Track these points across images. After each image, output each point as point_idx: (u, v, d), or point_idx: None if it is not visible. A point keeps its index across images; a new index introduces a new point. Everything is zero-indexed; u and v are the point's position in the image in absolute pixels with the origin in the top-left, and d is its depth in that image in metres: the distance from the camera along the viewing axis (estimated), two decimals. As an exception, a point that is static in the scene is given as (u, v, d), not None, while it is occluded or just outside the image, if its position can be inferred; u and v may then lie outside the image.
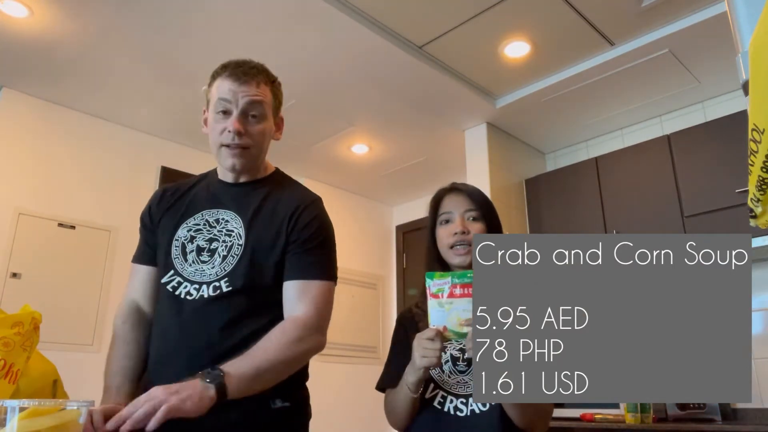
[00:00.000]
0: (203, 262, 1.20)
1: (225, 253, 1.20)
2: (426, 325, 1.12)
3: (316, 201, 1.29)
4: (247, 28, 2.59)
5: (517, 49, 2.81)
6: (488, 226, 1.30)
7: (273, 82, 1.32)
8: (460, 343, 1.21)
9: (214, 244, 1.21)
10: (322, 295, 1.20)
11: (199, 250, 1.21)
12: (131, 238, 1.38)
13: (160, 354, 1.18)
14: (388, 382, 1.28)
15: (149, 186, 3.53)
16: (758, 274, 2.88)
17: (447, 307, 1.07)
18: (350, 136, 3.68)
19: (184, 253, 1.22)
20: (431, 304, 1.09)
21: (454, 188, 1.36)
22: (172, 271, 1.21)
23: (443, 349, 1.10)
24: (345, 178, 4.41)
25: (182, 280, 1.20)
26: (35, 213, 3.05)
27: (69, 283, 3.08)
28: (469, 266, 1.24)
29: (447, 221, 1.31)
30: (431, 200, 1.38)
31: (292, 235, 1.21)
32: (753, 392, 2.77)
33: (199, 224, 1.25)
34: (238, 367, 1.03)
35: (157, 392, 0.94)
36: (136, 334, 1.23)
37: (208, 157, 4.36)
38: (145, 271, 1.29)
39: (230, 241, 1.21)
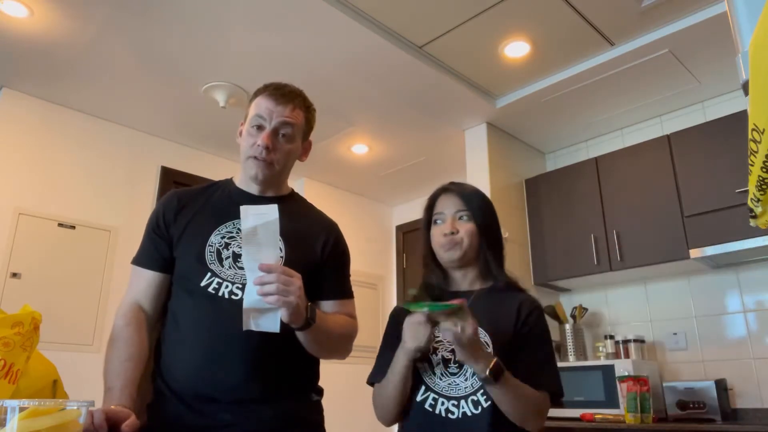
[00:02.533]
0: (241, 268, 1.25)
1: None
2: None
3: (338, 226, 1.45)
4: (247, 28, 2.59)
5: (517, 49, 2.81)
6: (480, 226, 1.35)
7: (308, 108, 1.41)
8: (449, 346, 1.25)
9: None
10: (354, 311, 1.41)
11: (236, 257, 1.27)
12: (131, 238, 1.38)
13: (209, 354, 1.19)
14: (379, 376, 1.30)
15: (149, 186, 3.53)
16: (758, 274, 2.88)
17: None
18: (350, 136, 3.68)
19: (220, 259, 1.27)
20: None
21: (448, 189, 1.41)
22: (209, 274, 1.25)
23: (432, 333, 1.16)
24: (345, 178, 4.41)
25: (222, 281, 1.24)
26: (35, 213, 3.05)
27: (69, 283, 3.08)
28: (457, 261, 1.33)
29: (439, 221, 1.37)
30: (427, 200, 1.44)
31: (329, 259, 1.36)
32: (753, 392, 2.77)
33: (231, 232, 1.31)
34: (321, 319, 1.20)
35: (297, 288, 1.09)
36: (140, 336, 1.24)
37: (208, 157, 4.38)
38: (150, 275, 1.30)
39: None
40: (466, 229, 1.33)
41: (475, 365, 1.12)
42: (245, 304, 1.10)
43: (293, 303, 1.08)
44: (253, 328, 1.10)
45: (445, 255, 1.34)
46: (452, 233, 1.32)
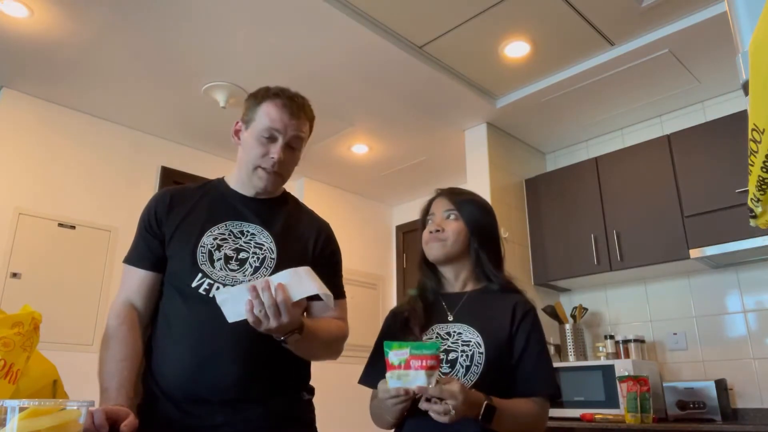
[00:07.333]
0: (232, 270, 1.26)
1: (257, 264, 1.27)
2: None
3: (329, 226, 1.45)
4: (247, 29, 2.59)
5: (517, 49, 2.81)
6: (470, 226, 1.37)
7: (312, 119, 1.42)
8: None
9: (243, 254, 1.28)
10: (346, 312, 1.40)
11: (227, 259, 1.27)
12: (131, 238, 1.37)
13: (201, 355, 1.18)
14: (371, 380, 1.30)
15: (149, 186, 3.53)
16: (758, 274, 2.88)
17: (404, 380, 1.07)
18: (350, 136, 3.68)
19: (212, 260, 1.26)
20: (389, 375, 1.09)
21: (441, 192, 1.44)
22: (200, 274, 1.24)
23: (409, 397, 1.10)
24: (345, 178, 4.41)
25: (213, 282, 1.24)
26: (35, 213, 3.05)
27: (69, 283, 3.08)
28: (442, 258, 1.36)
29: (429, 221, 1.41)
30: (424, 204, 1.47)
31: (320, 259, 1.35)
32: (753, 392, 2.77)
33: (224, 233, 1.31)
34: (309, 326, 1.18)
35: (291, 316, 1.07)
36: (134, 335, 1.24)
37: (208, 156, 4.36)
38: (142, 275, 1.30)
39: (262, 254, 1.28)
40: (452, 227, 1.36)
41: (470, 415, 1.10)
42: (229, 291, 1.11)
43: (261, 327, 1.07)
44: (218, 301, 1.09)
45: (429, 252, 1.37)
46: (437, 230, 1.36)
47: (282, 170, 1.34)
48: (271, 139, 1.31)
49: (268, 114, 1.31)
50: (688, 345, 3.04)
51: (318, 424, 1.35)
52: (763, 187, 0.67)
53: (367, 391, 1.34)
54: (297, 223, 1.39)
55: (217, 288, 1.23)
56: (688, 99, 3.22)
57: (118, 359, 1.18)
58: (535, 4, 2.47)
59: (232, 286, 1.21)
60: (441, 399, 1.05)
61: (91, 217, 3.25)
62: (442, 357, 1.25)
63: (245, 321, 1.08)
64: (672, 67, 2.90)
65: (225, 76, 3.00)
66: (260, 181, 1.33)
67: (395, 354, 1.08)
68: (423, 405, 1.06)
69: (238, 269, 1.26)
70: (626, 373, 2.73)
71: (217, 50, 2.77)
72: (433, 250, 1.36)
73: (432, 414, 1.06)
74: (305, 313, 1.34)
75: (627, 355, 3.01)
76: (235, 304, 1.08)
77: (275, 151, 1.30)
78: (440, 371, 1.24)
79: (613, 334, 3.20)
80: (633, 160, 3.16)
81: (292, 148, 1.34)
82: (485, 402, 1.11)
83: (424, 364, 1.06)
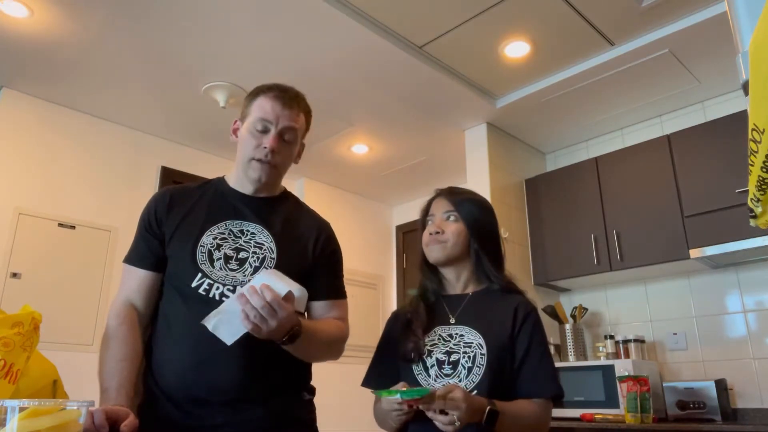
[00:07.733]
0: (232, 269, 1.25)
1: (257, 264, 1.26)
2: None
3: (330, 226, 1.44)
4: (247, 29, 2.59)
5: (517, 49, 2.81)
6: (470, 227, 1.37)
7: (308, 112, 1.41)
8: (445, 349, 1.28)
9: (243, 254, 1.27)
10: (346, 312, 1.39)
11: (227, 258, 1.26)
12: (131, 238, 1.37)
13: (201, 355, 1.18)
14: (374, 383, 1.32)
15: (149, 186, 3.53)
16: (758, 274, 2.88)
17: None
18: (350, 136, 3.68)
19: (211, 260, 1.26)
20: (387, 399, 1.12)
21: (440, 193, 1.44)
22: (200, 275, 1.24)
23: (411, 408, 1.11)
24: (345, 178, 4.41)
25: (213, 282, 1.23)
26: (35, 213, 3.05)
27: (69, 283, 3.08)
28: (442, 259, 1.36)
29: (429, 222, 1.41)
30: (424, 204, 1.47)
31: (320, 258, 1.35)
32: (753, 392, 2.77)
33: (223, 233, 1.30)
34: (308, 327, 1.17)
35: (286, 311, 1.06)
36: (134, 335, 1.24)
37: (208, 156, 4.36)
38: (142, 274, 1.30)
39: (262, 254, 1.28)
40: (452, 228, 1.36)
41: (474, 421, 1.11)
42: (221, 307, 1.10)
43: (262, 333, 1.07)
44: (210, 328, 1.09)
45: (430, 254, 1.37)
46: (437, 232, 1.35)
47: (276, 161, 1.32)
48: (264, 130, 1.31)
49: (260, 106, 1.32)
50: (688, 345, 3.04)
51: (318, 424, 1.35)
52: (763, 187, 0.67)
53: (368, 392, 1.34)
54: (297, 222, 1.38)
55: (217, 288, 1.23)
56: (688, 99, 3.22)
57: (118, 359, 1.18)
58: (535, 4, 2.47)
59: (218, 305, 1.20)
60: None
61: (91, 217, 3.25)
62: (444, 359, 1.25)
63: None
64: (672, 67, 2.90)
65: (225, 76, 3.00)
66: (254, 173, 1.32)
67: (388, 402, 1.11)
68: (429, 414, 1.08)
69: (238, 269, 1.26)
70: (626, 373, 2.73)
71: (217, 50, 2.77)
72: (433, 252, 1.36)
73: (438, 424, 1.07)
74: (305, 315, 1.34)
75: (627, 355, 3.01)
76: (228, 323, 1.09)
77: (267, 141, 1.30)
78: (442, 372, 1.24)
79: (613, 334, 3.20)
80: (633, 160, 3.16)
81: (287, 140, 1.34)
82: (488, 407, 1.12)
83: (416, 408, 1.08)
